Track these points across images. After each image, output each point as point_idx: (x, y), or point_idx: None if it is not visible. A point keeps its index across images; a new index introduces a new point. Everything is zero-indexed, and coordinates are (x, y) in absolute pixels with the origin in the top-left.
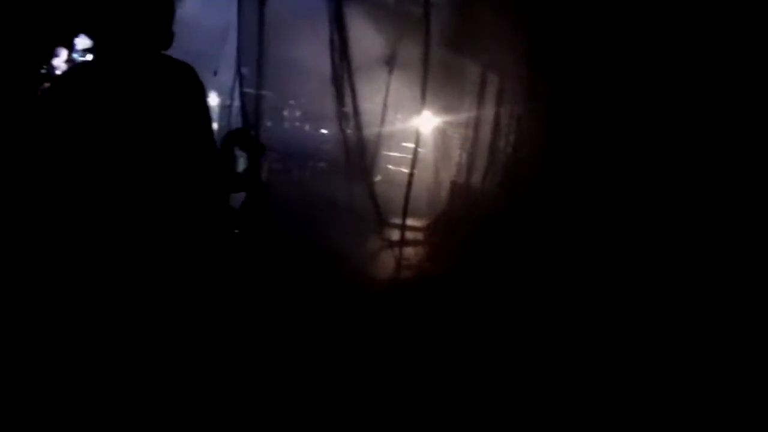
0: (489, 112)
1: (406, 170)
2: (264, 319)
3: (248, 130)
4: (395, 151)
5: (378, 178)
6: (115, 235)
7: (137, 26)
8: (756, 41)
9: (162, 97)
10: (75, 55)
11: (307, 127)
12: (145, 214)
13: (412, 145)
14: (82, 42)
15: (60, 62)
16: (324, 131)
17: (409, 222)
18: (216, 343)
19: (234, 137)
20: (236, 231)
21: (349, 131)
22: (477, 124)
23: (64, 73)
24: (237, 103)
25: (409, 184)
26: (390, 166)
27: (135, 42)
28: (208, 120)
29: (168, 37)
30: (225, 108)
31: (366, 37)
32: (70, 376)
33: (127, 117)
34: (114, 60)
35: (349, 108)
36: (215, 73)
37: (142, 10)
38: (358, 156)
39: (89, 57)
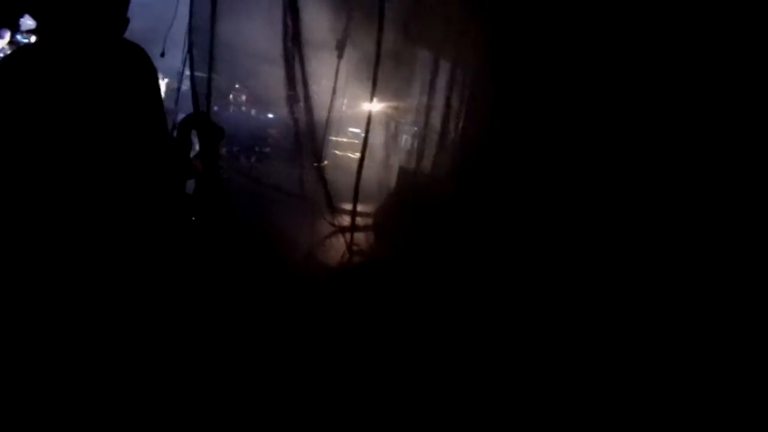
0: (439, 99)
1: (353, 155)
2: (214, 303)
3: (206, 114)
4: (342, 137)
5: (325, 163)
6: (67, 225)
7: (89, 10)
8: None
9: (113, 82)
10: (18, 37)
11: (253, 111)
12: (98, 201)
13: (358, 131)
14: (26, 23)
15: (2, 44)
16: (270, 115)
17: (358, 207)
18: (172, 327)
19: (191, 122)
20: (193, 218)
21: (298, 115)
22: (427, 111)
23: (8, 56)
24: (183, 87)
25: (360, 168)
26: (337, 152)
27: (86, 26)
28: (161, 105)
29: (122, 24)
30: (172, 91)
31: (317, 22)
32: (24, 364)
33: (76, 103)
34: (62, 43)
35: (299, 92)
36: (162, 55)
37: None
38: (308, 140)
39: (33, 38)
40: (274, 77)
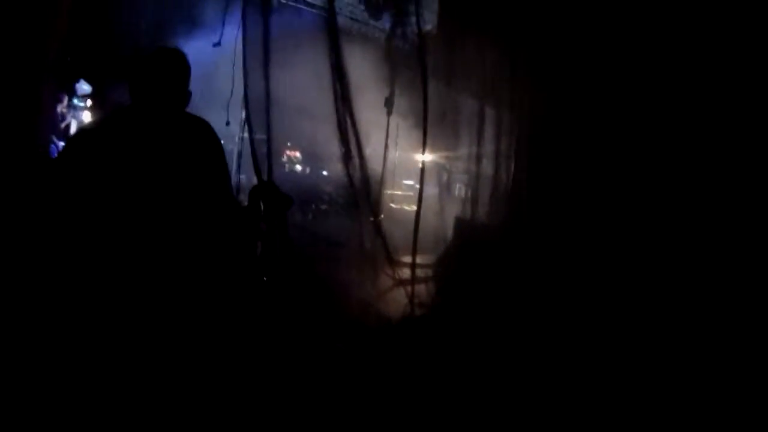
0: (489, 146)
1: (408, 208)
2: (278, 354)
3: (272, 183)
4: (397, 189)
5: (381, 217)
6: (139, 273)
7: (157, 87)
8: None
9: (183, 152)
10: (75, 101)
11: (307, 170)
12: (168, 258)
13: (412, 182)
14: (82, 87)
15: (61, 108)
16: (325, 173)
17: (417, 259)
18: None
19: (260, 191)
20: (264, 278)
21: (353, 172)
22: (478, 159)
23: (88, 126)
24: (236, 148)
25: (417, 221)
26: (392, 204)
27: (157, 101)
28: (226, 171)
29: (185, 96)
30: (230, 153)
31: (365, 80)
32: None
33: (150, 169)
34: (138, 116)
35: (353, 150)
36: (228, 124)
37: (162, 73)
38: (364, 196)
39: (89, 102)
40: (326, 135)
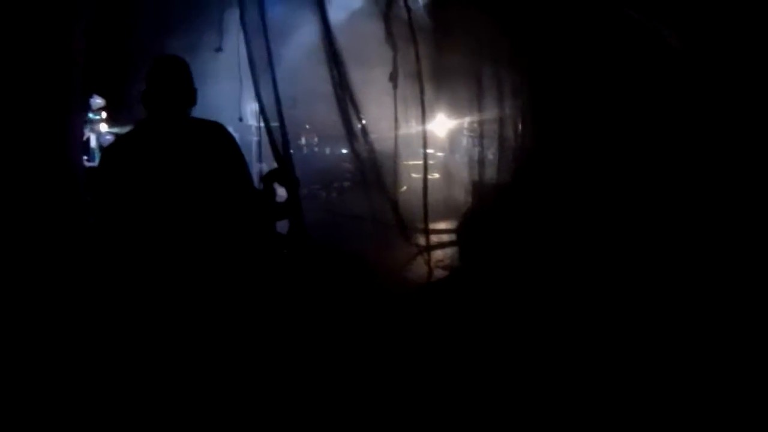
0: (500, 109)
1: (429, 177)
2: (309, 322)
3: (284, 168)
4: (418, 159)
5: (404, 188)
6: (176, 257)
7: (163, 92)
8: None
9: (201, 152)
10: (90, 115)
11: (327, 150)
12: (198, 245)
13: (432, 151)
14: (96, 102)
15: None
16: (344, 150)
17: (441, 225)
18: (262, 348)
19: (271, 176)
20: (285, 251)
21: (364, 152)
22: (487, 122)
23: (121, 137)
24: (256, 138)
25: (425, 189)
26: (414, 175)
27: (166, 104)
28: (243, 163)
29: (191, 95)
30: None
31: (365, 59)
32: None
33: (173, 172)
34: (156, 125)
35: (357, 131)
36: (241, 120)
37: (164, 78)
38: (374, 173)
39: (104, 115)
40: (338, 116)
